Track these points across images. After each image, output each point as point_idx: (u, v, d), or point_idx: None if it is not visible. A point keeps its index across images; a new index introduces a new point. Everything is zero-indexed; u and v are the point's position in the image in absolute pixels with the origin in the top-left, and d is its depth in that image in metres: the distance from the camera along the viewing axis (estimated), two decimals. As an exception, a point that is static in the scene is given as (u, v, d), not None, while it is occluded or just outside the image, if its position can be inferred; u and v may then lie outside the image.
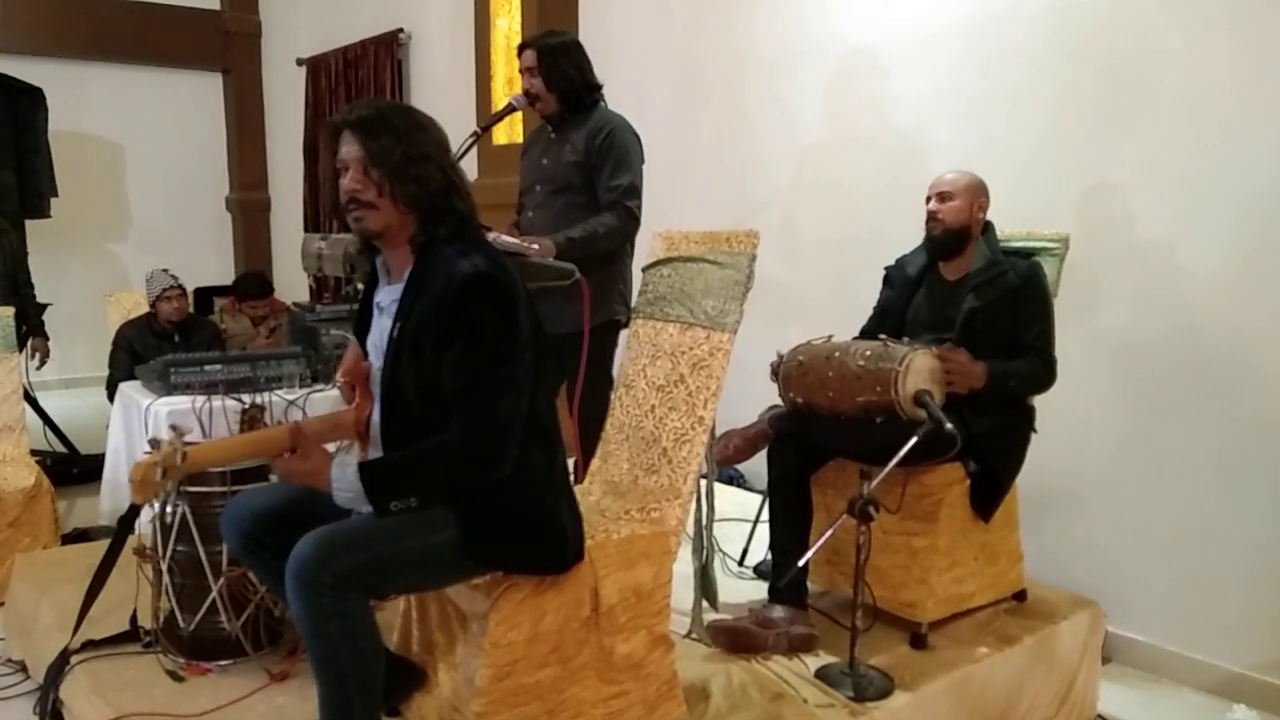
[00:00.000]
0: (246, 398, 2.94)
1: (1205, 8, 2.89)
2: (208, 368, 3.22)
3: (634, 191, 3.08)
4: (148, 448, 1.91)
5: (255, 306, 5.16)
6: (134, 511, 2.42)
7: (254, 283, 5.31)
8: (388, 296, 1.93)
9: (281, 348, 3.67)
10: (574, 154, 3.11)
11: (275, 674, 2.28)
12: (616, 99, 3.27)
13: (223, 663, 2.35)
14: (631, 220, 3.07)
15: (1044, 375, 2.59)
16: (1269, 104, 2.78)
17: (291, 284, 6.89)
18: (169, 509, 2.25)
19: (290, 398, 3.09)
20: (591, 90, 3.17)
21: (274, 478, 2.47)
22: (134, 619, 2.46)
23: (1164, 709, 2.93)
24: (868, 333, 2.78)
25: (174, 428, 1.95)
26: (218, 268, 7.52)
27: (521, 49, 3.19)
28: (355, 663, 1.76)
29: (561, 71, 3.11)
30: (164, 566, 2.36)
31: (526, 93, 3.17)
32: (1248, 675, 2.89)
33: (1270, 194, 2.80)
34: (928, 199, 2.69)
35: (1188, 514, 3.00)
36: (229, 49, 7.70)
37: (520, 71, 3.20)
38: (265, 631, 2.40)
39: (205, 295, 6.43)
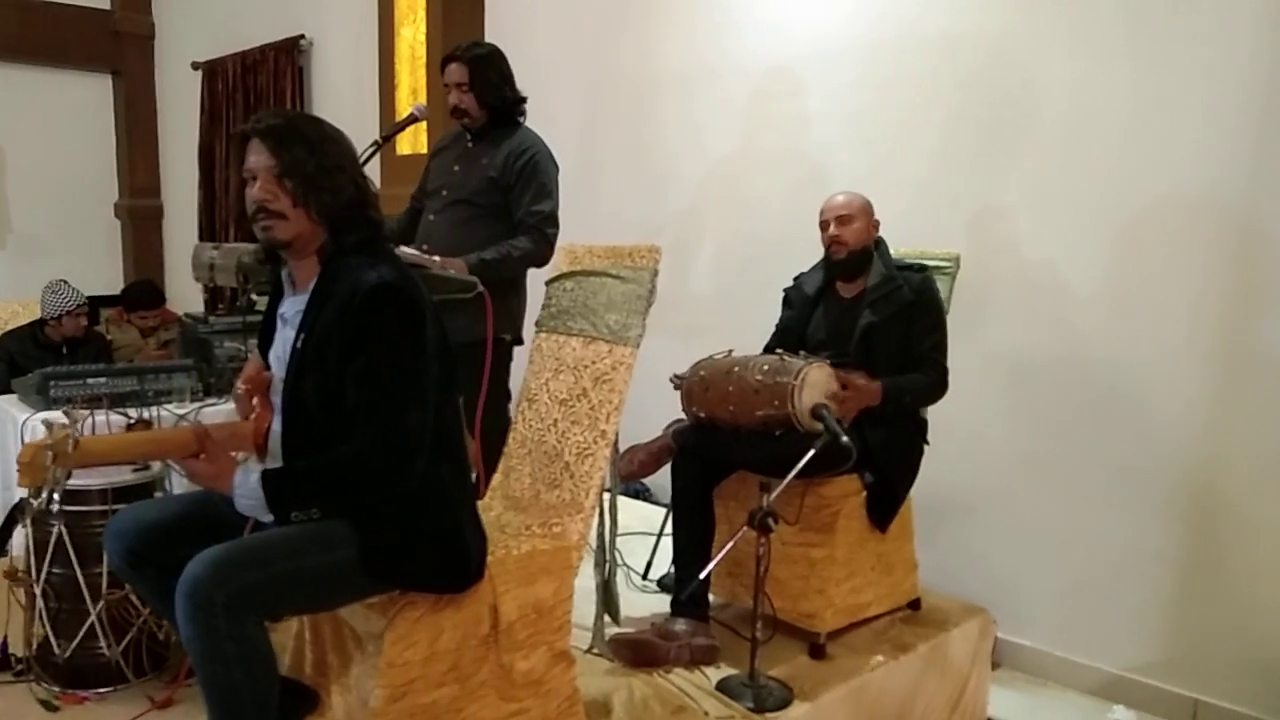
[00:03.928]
0: (133, 412, 2.82)
1: (1086, 41, 3.04)
2: (91, 380, 3.10)
3: (553, 220, 3.06)
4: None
5: (145, 317, 4.97)
6: (5, 532, 2.30)
7: (144, 292, 5.12)
8: (292, 307, 1.90)
9: (173, 360, 3.55)
10: (491, 169, 3.07)
11: (158, 701, 2.18)
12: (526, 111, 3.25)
13: (101, 690, 2.23)
14: (547, 247, 3.03)
15: (937, 386, 2.67)
16: (1145, 133, 2.94)
17: (185, 295, 6.64)
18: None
19: (180, 412, 2.99)
20: (518, 103, 3.14)
21: (159, 494, 2.38)
22: (4, 646, 2.34)
23: (1049, 711, 3.05)
24: (770, 350, 2.82)
25: (67, 413, 1.86)
26: (106, 277, 7.21)
27: (446, 62, 3.10)
28: (250, 687, 1.70)
29: (492, 84, 3.07)
30: (38, 590, 2.24)
31: (455, 108, 3.09)
32: (1126, 677, 3.03)
33: (1145, 217, 2.96)
34: (824, 224, 2.74)
35: (1072, 523, 3.13)
36: (120, 50, 7.38)
37: (445, 85, 3.11)
38: (148, 656, 2.30)
39: (91, 305, 6.14)
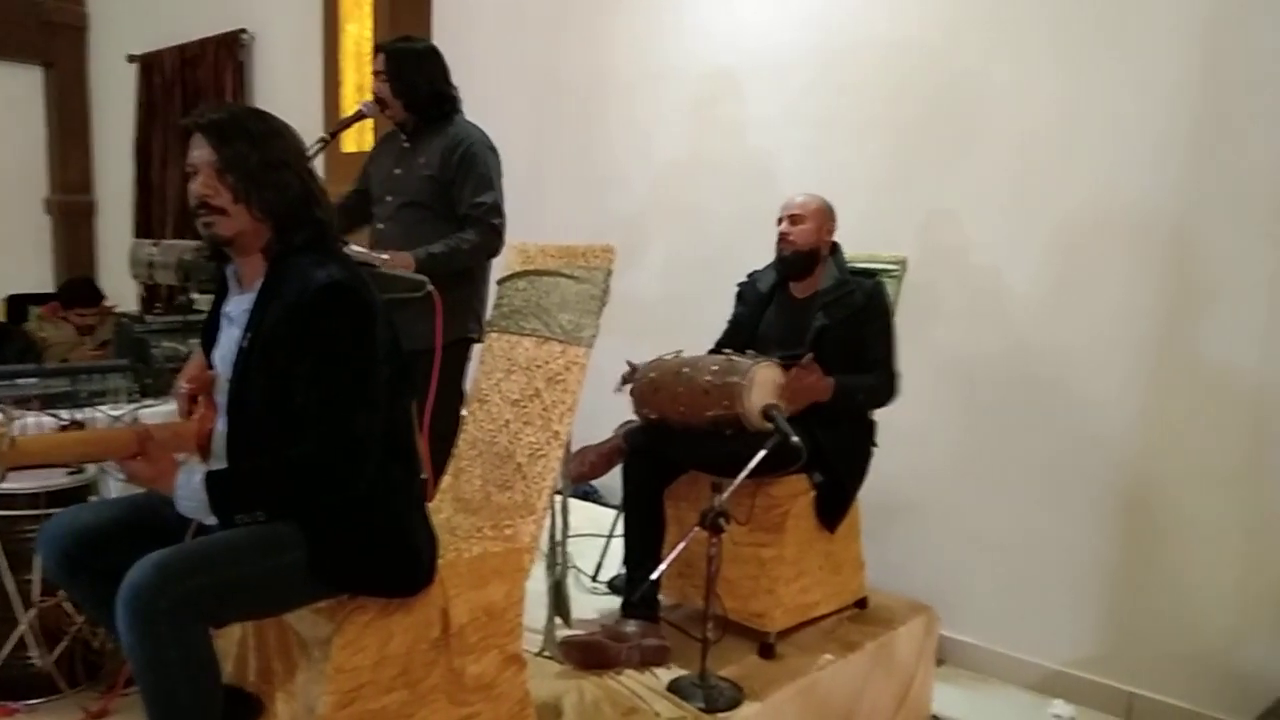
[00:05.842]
0: (65, 414, 2.72)
1: (1028, 51, 3.11)
2: (20, 381, 2.98)
3: (497, 209, 3.02)
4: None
5: (84, 315, 4.81)
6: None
7: (83, 288, 4.95)
8: (238, 306, 1.86)
9: (108, 360, 3.44)
10: (429, 168, 3.03)
11: (93, 711, 2.12)
12: (471, 111, 3.21)
13: (33, 702, 2.16)
14: (495, 237, 3.01)
15: (888, 388, 2.71)
16: (1081, 139, 3.02)
17: (120, 292, 6.45)
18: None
19: (116, 414, 2.89)
20: (441, 101, 3.10)
21: (94, 498, 2.30)
22: (-72, 658, 2.24)
23: (992, 707, 3.10)
24: (720, 345, 2.84)
25: (3, 410, 1.79)
26: (34, 273, 6.99)
27: (375, 51, 3.12)
28: (193, 696, 1.66)
29: (407, 79, 3.04)
30: (-36, 599, 2.16)
31: (377, 97, 3.10)
32: (1066, 672, 3.10)
33: (1082, 222, 3.03)
34: (779, 220, 2.77)
35: (1014, 523, 3.20)
36: (51, 41, 7.17)
37: (373, 74, 3.12)
38: (82, 665, 2.23)
39: (19, 303, 5.95)
